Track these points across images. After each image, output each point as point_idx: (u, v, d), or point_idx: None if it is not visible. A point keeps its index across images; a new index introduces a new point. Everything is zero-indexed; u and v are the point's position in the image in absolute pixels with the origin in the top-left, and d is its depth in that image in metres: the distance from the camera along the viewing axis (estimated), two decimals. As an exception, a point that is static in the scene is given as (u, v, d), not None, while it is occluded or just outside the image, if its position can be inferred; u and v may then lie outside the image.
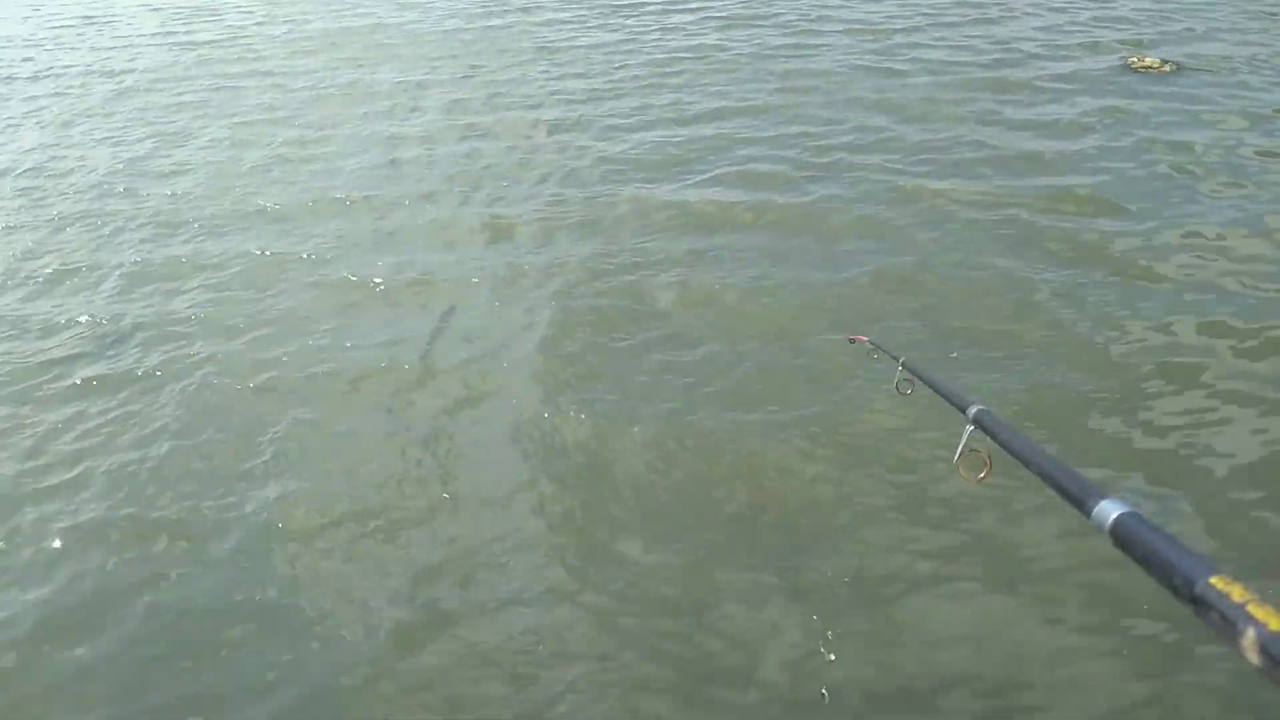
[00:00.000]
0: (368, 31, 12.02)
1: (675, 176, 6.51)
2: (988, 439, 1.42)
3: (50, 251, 6.10)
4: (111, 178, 7.34)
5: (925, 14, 10.61)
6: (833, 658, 2.91)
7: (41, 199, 7.02)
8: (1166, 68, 8.23)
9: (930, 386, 1.91)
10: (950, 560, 3.24)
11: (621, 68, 9.26)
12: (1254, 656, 0.66)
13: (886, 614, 3.06)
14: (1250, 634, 0.66)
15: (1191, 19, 9.84)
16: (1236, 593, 0.71)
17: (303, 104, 8.95)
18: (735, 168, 6.55)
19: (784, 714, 2.80)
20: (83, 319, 5.11)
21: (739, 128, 7.39)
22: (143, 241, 6.07)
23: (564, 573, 3.28)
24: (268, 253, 5.70)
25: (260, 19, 13.45)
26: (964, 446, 1.50)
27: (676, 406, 4.04)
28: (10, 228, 6.54)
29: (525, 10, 12.46)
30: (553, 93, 8.64)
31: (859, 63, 8.81)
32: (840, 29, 10.19)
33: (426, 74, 9.70)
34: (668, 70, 9.04)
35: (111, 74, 10.82)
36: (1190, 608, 0.75)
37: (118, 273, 5.65)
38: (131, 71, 10.87)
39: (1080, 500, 0.99)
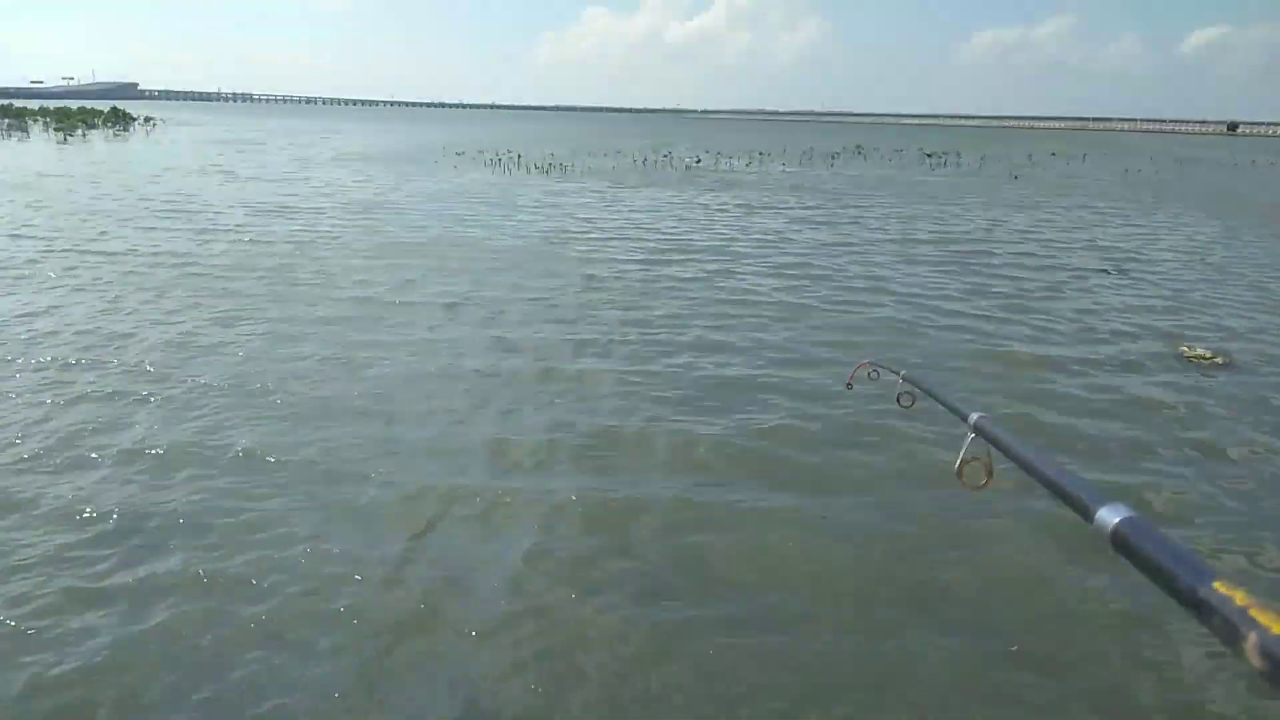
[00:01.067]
0: (426, 244, 13.40)
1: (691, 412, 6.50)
2: (990, 447, 1.42)
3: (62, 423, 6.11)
4: (149, 353, 7.58)
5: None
6: None
7: (67, 365, 7.17)
8: (1219, 359, 8.33)
9: (932, 396, 1.94)
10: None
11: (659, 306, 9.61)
12: (1257, 660, 0.66)
13: None
14: (1253, 638, 0.66)
15: (1237, 316, 10.30)
16: (1239, 597, 0.71)
17: (348, 305, 9.40)
18: (746, 415, 6.50)
19: None
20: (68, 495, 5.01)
21: (761, 372, 7.51)
22: (151, 424, 6.04)
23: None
24: (263, 452, 5.56)
25: (333, 224, 15.18)
26: (964, 454, 1.51)
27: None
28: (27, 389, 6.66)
29: (581, 243, 13.83)
30: (588, 319, 9.04)
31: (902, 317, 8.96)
32: (891, 296, 10.74)
33: (470, 289, 10.23)
34: (708, 313, 9.41)
35: (180, 257, 11.82)
36: (1193, 613, 0.75)
37: (114, 450, 5.57)
38: (199, 258, 11.75)
39: (1082, 506, 0.98)
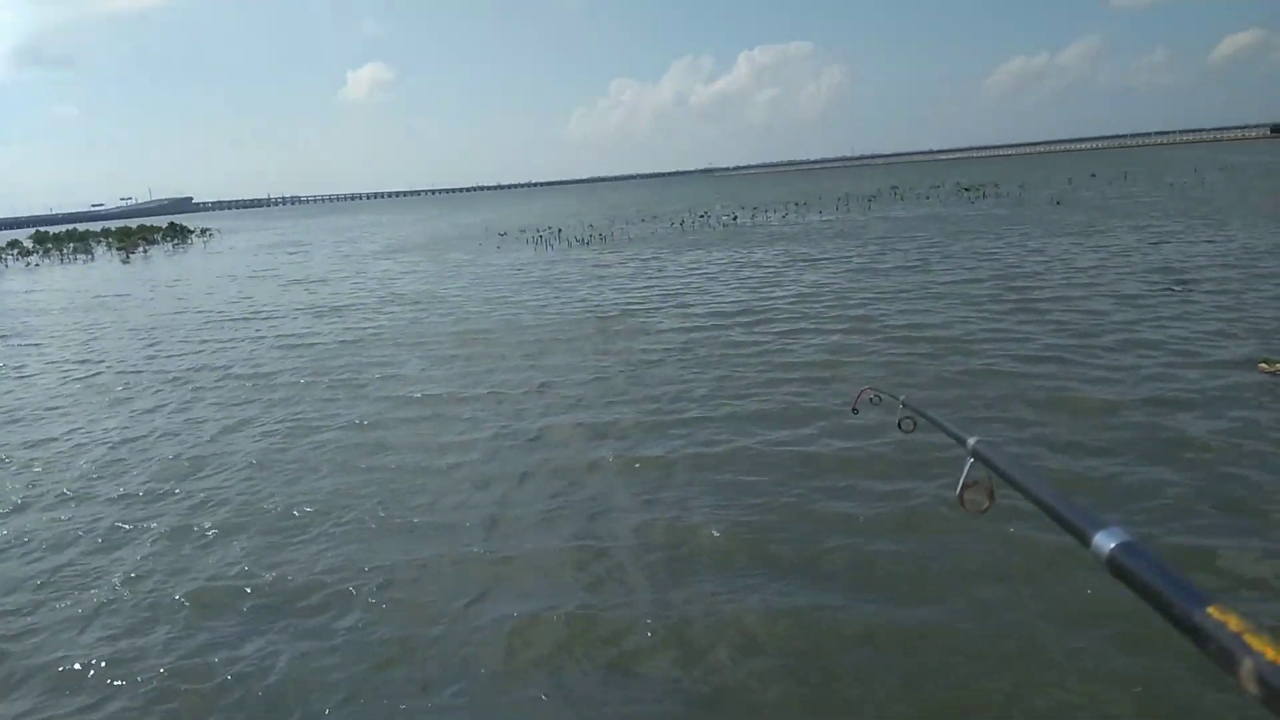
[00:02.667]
0: (478, 333, 13.41)
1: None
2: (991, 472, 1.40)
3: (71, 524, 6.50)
4: (177, 461, 7.94)
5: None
6: None
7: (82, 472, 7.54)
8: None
9: (931, 422, 1.94)
10: None
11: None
12: (1252, 686, 0.66)
13: None
14: (1248, 664, 0.66)
15: None
16: (1233, 622, 0.71)
17: (417, 406, 9.37)
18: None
19: None
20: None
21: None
22: (159, 534, 6.22)
23: None
24: (249, 570, 5.52)
25: (384, 320, 15.35)
26: (965, 478, 1.49)
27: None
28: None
29: (637, 314, 13.59)
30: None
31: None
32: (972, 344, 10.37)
33: (492, 385, 9.88)
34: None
35: (241, 368, 12.10)
36: (1189, 638, 0.75)
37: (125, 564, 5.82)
38: (260, 367, 12.09)
39: (1079, 530, 0.97)
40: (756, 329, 12.13)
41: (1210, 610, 0.74)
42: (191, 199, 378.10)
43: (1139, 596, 0.84)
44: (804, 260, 20.24)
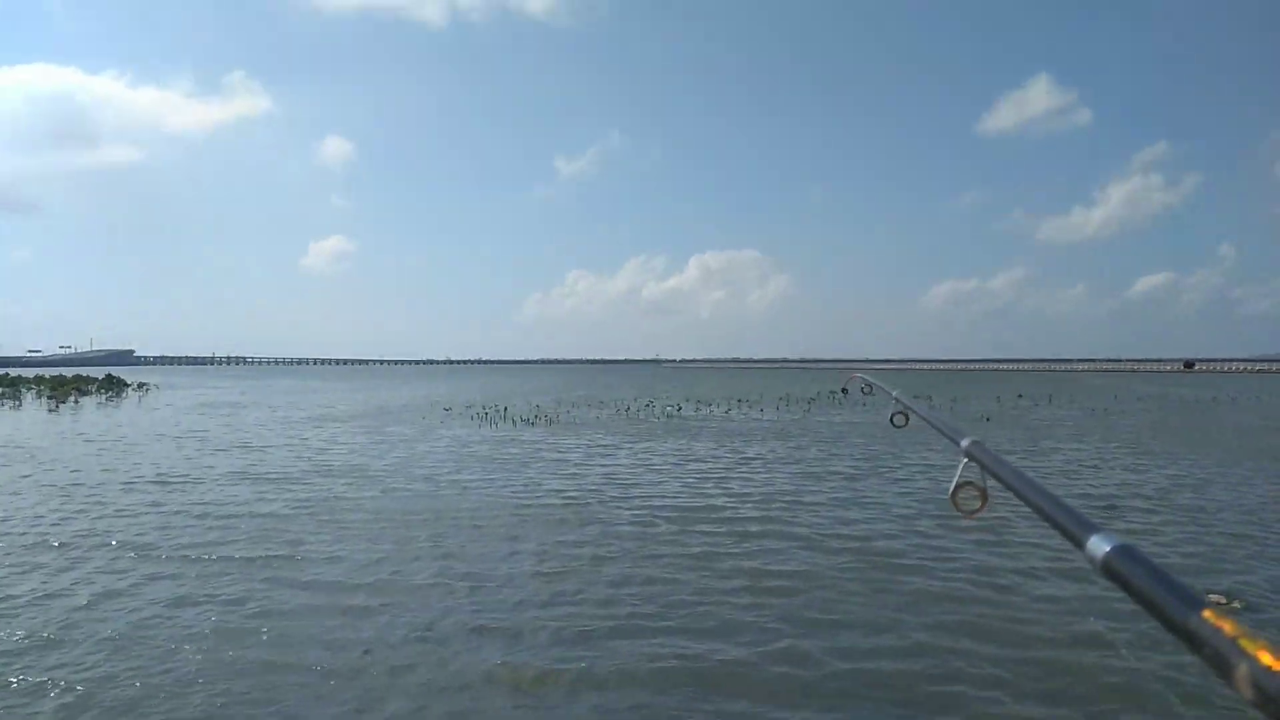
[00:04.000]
0: (400, 516, 12.22)
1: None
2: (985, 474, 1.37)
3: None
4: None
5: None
6: None
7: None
8: (1236, 604, 8.26)
9: (925, 420, 1.83)
10: None
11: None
12: (1248, 691, 0.65)
13: None
14: (1243, 669, 0.66)
15: (1259, 558, 10.24)
16: (1229, 627, 0.70)
17: (266, 590, 8.61)
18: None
19: None
20: None
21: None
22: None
23: None
24: None
25: (311, 493, 14.52)
26: (958, 479, 1.45)
27: None
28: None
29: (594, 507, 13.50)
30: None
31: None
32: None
33: (403, 574, 8.91)
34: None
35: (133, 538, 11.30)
36: (1184, 642, 0.74)
37: None
38: (130, 531, 11.33)
39: (1073, 533, 0.96)
40: (698, 534, 11.88)
41: (1205, 614, 0.74)
42: (133, 351, 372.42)
43: (1134, 600, 0.83)
44: (750, 457, 20.32)
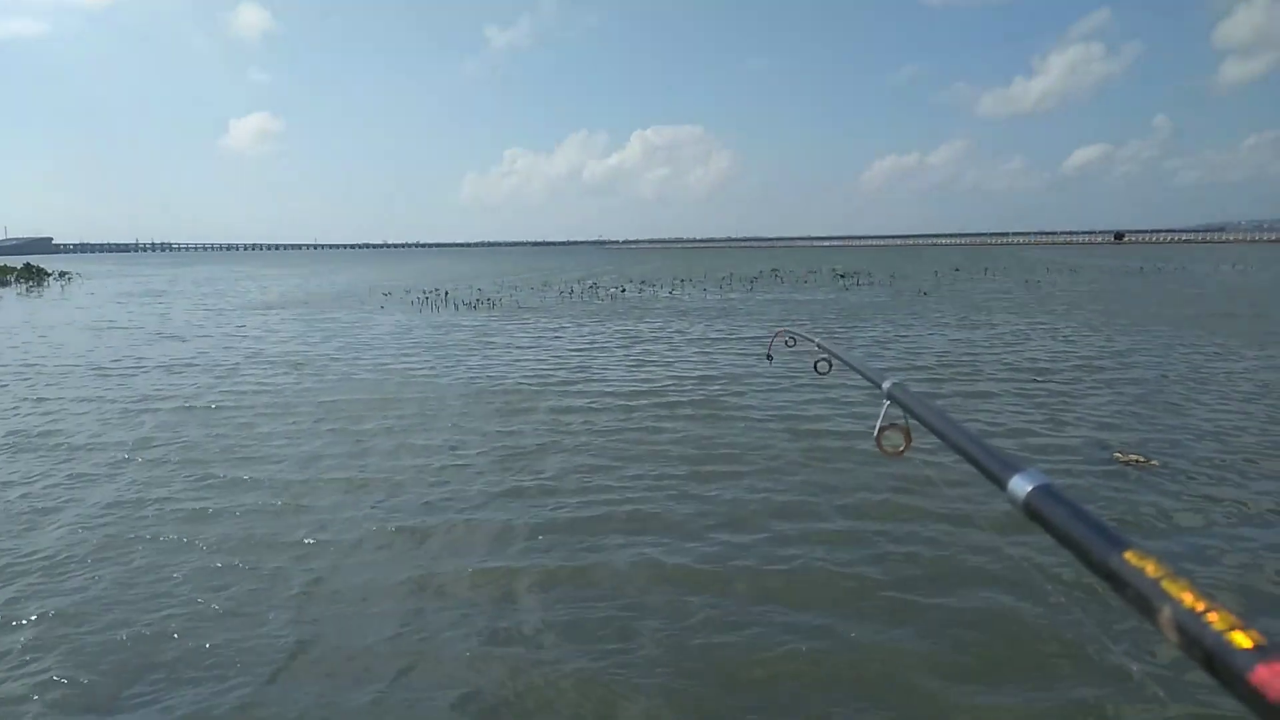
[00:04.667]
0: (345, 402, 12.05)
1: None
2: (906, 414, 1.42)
3: None
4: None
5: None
6: None
7: None
8: (1154, 462, 8.61)
9: (847, 365, 1.92)
10: None
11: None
12: (1171, 633, 0.65)
13: None
14: (1166, 610, 0.65)
15: (1174, 418, 10.73)
16: (1150, 567, 0.70)
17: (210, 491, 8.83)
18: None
19: None
20: None
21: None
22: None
23: None
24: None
25: (245, 383, 13.77)
26: (881, 421, 1.51)
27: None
28: None
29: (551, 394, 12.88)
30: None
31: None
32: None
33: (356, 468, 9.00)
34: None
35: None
36: (1108, 584, 0.74)
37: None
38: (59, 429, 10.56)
39: (994, 474, 0.96)
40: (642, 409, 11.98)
41: (1128, 555, 0.73)
42: (51, 239, 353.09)
43: (1056, 541, 0.82)
44: (697, 338, 20.43)
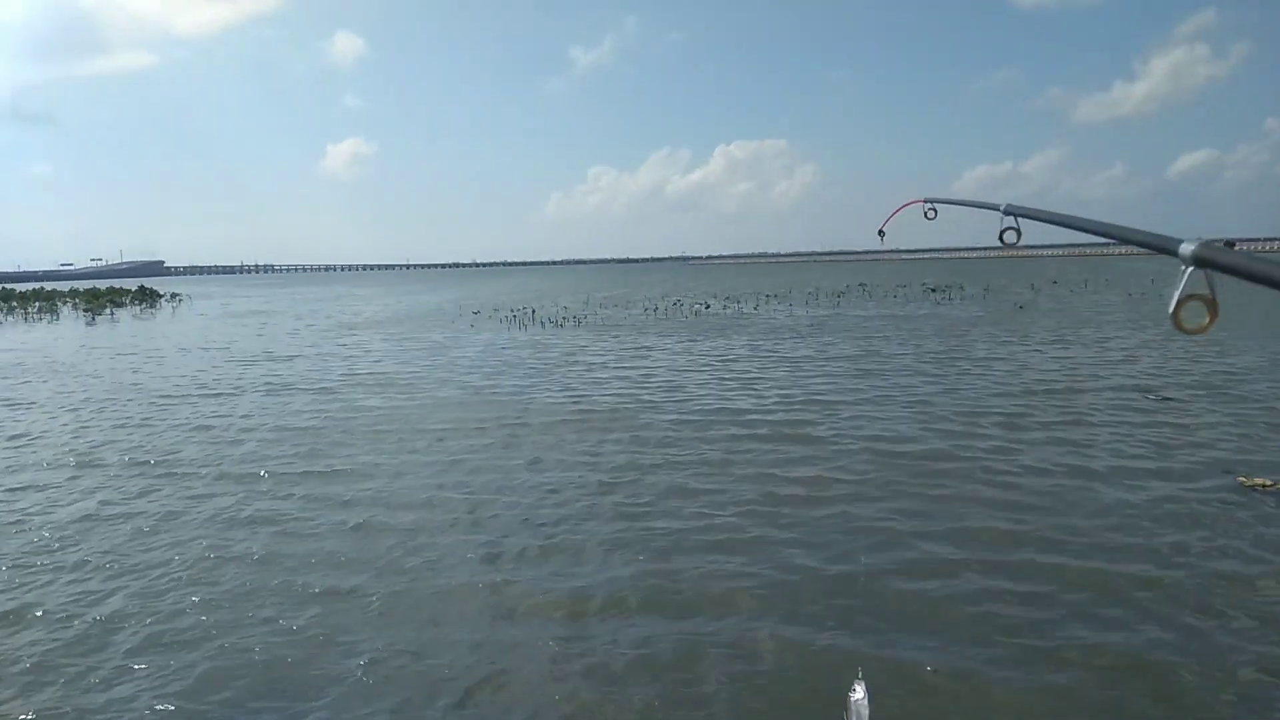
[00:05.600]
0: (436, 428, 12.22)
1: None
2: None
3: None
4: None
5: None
6: None
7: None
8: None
9: (1123, 233, 1.62)
10: None
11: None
12: None
13: None
14: None
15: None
16: None
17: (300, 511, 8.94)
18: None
19: None
20: None
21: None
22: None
23: None
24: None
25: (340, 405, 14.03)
26: (1182, 293, 1.30)
27: None
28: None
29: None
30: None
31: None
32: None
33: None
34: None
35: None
36: None
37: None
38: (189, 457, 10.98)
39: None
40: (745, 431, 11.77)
41: None
42: (163, 262, 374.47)
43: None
44: (789, 356, 20.08)
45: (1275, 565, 6.31)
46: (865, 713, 2.91)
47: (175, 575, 6.77)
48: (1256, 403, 12.33)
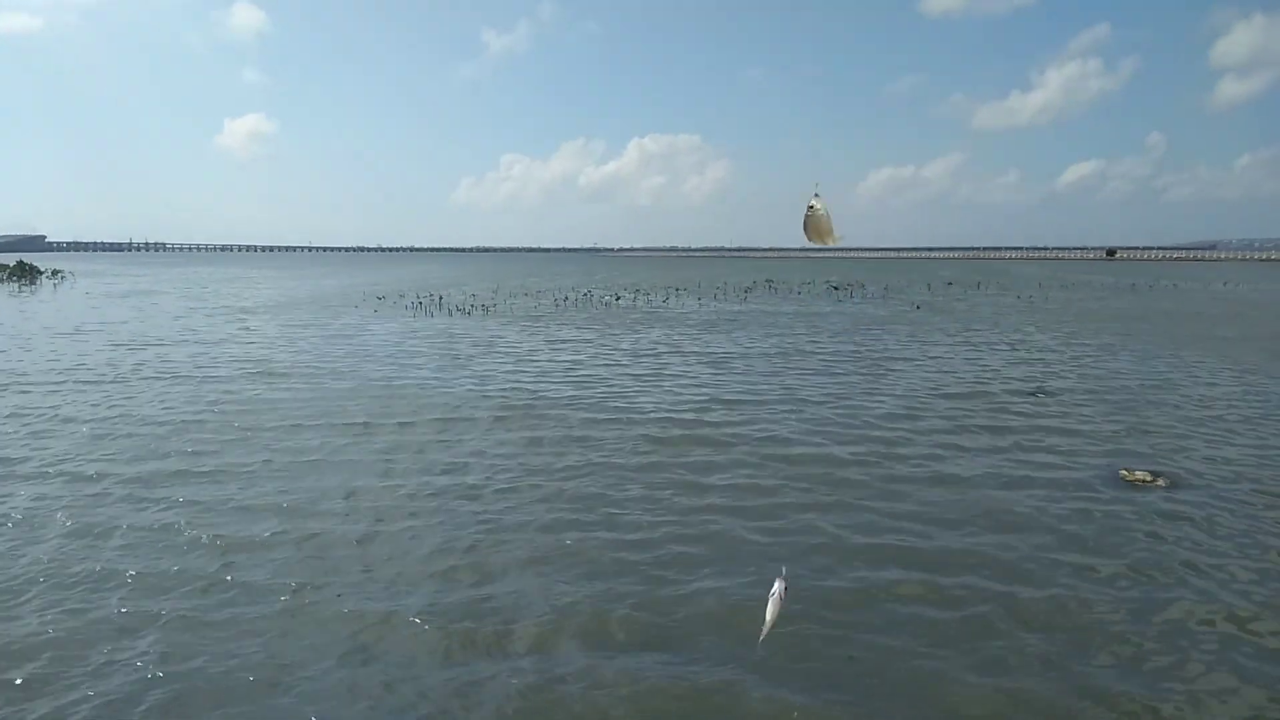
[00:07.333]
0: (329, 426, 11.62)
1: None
2: None
3: None
4: None
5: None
6: None
7: None
8: (1160, 482, 8.57)
9: None
10: None
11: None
12: None
13: None
14: None
15: (1189, 436, 10.79)
16: None
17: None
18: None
19: None
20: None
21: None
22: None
23: None
24: None
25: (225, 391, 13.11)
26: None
27: None
28: None
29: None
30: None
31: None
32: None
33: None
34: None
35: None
36: None
37: None
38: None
39: None
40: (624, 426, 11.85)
41: None
42: (44, 237, 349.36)
43: None
44: (689, 351, 20.31)
45: (1153, 555, 6.79)
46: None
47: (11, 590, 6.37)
48: (1141, 402, 13.20)
